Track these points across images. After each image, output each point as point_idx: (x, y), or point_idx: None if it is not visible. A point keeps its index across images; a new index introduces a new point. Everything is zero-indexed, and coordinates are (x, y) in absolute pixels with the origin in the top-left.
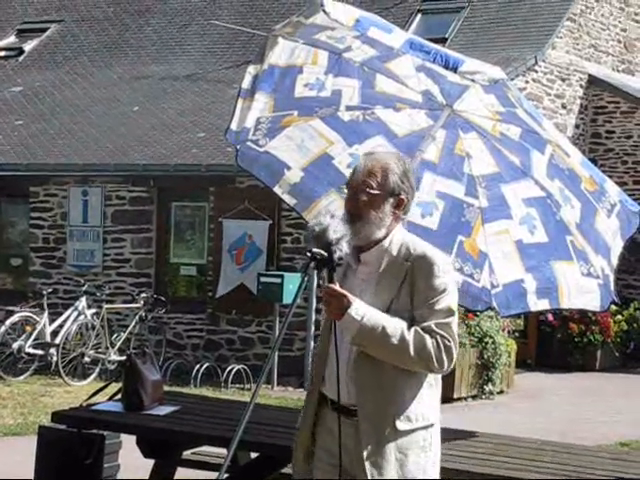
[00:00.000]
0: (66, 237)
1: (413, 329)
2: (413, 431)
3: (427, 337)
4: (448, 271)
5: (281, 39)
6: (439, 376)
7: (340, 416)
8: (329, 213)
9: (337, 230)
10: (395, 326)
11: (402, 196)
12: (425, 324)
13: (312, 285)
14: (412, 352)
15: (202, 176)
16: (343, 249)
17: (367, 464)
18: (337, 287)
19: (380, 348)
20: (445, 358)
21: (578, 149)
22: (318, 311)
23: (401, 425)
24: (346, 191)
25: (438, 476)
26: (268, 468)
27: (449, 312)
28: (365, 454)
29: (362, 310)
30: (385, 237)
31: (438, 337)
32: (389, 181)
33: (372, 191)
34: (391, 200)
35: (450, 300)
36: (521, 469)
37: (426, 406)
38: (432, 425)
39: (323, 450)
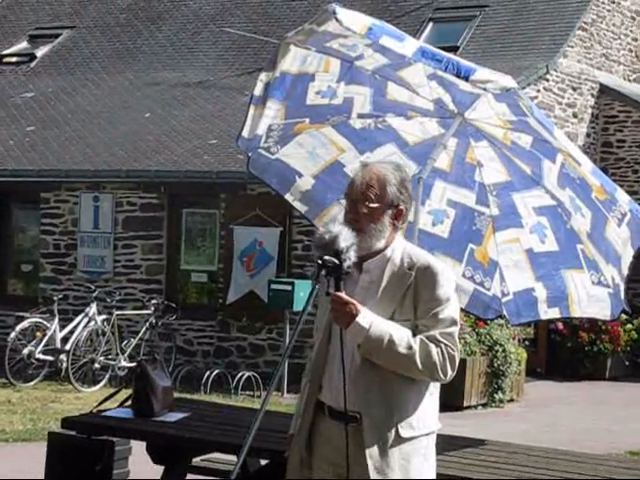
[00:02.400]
0: (77, 243)
1: (418, 338)
2: (415, 438)
3: (432, 346)
4: (450, 281)
5: (293, 47)
6: (438, 385)
7: (347, 426)
8: (337, 221)
9: (347, 238)
10: (401, 334)
11: (401, 207)
12: (429, 333)
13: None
14: (418, 361)
15: (213, 183)
16: (352, 258)
17: (372, 472)
18: (344, 295)
19: (387, 356)
20: (449, 367)
21: (589, 158)
22: None
23: (404, 432)
24: (344, 202)
25: None
26: (278, 475)
27: (452, 321)
28: (370, 462)
29: (369, 318)
30: (386, 247)
31: (442, 346)
32: (387, 193)
33: (371, 204)
34: (390, 212)
35: (453, 310)
36: (533, 477)
37: (427, 414)
38: (432, 433)
39: (320, 459)
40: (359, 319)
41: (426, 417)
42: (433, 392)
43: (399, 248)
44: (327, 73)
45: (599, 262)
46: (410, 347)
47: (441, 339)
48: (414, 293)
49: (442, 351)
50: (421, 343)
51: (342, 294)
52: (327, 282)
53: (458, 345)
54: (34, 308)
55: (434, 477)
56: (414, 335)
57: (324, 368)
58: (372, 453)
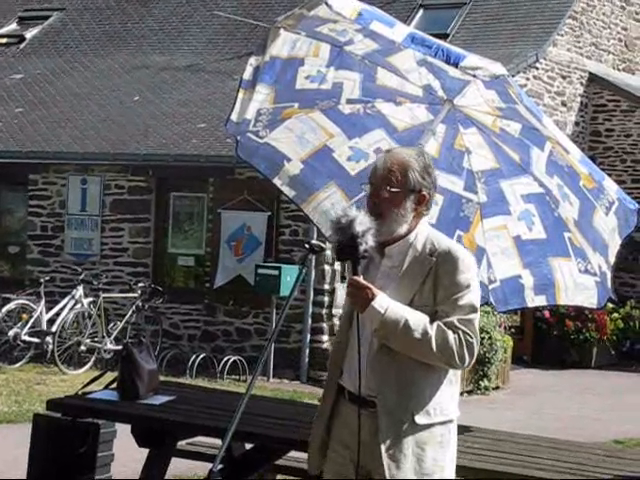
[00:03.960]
0: (64, 225)
1: (436, 324)
2: (431, 426)
3: (449, 332)
4: (472, 267)
5: (283, 31)
6: (459, 373)
7: (359, 409)
8: (354, 205)
9: (363, 223)
10: (418, 320)
11: (423, 192)
12: (448, 319)
13: (309, 278)
14: (434, 347)
15: (201, 167)
16: (368, 242)
17: (385, 458)
18: (361, 279)
19: (402, 341)
20: (466, 354)
21: (577, 147)
22: (315, 304)
23: (420, 419)
24: (367, 187)
25: (454, 473)
26: (263, 459)
27: (472, 308)
28: (383, 447)
29: (385, 303)
30: (409, 232)
31: (460, 333)
32: (409, 178)
33: (392, 189)
34: (412, 197)
35: (473, 297)
36: (518, 465)
37: (445, 402)
38: (451, 421)
39: (337, 442)
40: (374, 303)
41: (443, 404)
42: (453, 380)
43: (423, 234)
44: (317, 58)
45: (586, 250)
46: (426, 332)
47: (459, 325)
48: (434, 278)
49: (459, 338)
50: (438, 329)
51: (359, 278)
52: (346, 266)
53: (478, 332)
54: (20, 290)
55: (453, 466)
56: (433, 321)
57: (345, 352)
58: (386, 439)
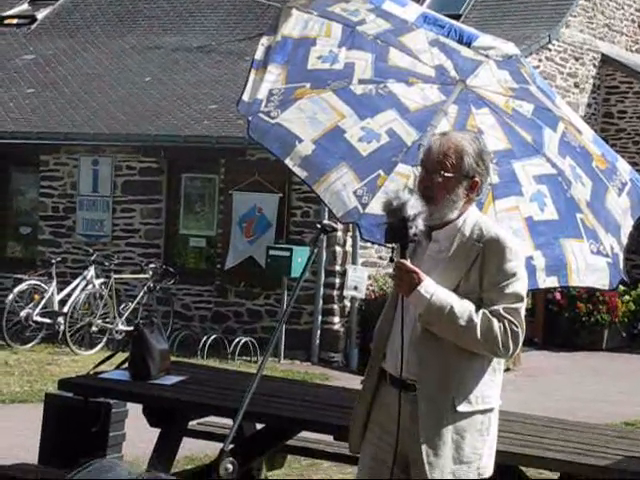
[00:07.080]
0: (76, 206)
1: (481, 312)
2: (472, 414)
3: (495, 321)
4: (519, 256)
5: (295, 11)
6: (502, 361)
7: (400, 392)
8: (407, 188)
9: (414, 206)
10: (463, 307)
11: (476, 178)
12: (493, 308)
13: (321, 259)
14: (478, 334)
15: (213, 148)
16: (418, 226)
17: (423, 444)
18: (409, 263)
19: (447, 327)
20: (511, 343)
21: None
22: (326, 285)
23: (461, 407)
24: (419, 170)
25: (492, 461)
26: (273, 439)
27: (518, 297)
28: (422, 433)
29: (432, 288)
30: (458, 217)
31: (506, 322)
32: (464, 164)
33: (446, 174)
34: (465, 183)
35: (520, 286)
36: (529, 445)
37: (487, 390)
38: (492, 410)
39: (376, 424)
40: (420, 288)
41: (485, 393)
42: (496, 368)
43: (471, 219)
44: (329, 38)
45: (598, 231)
46: (471, 320)
47: (505, 314)
48: (481, 265)
49: (504, 326)
50: (483, 317)
51: (406, 262)
52: (393, 249)
53: (523, 322)
54: (32, 271)
55: (492, 455)
56: (478, 308)
57: (388, 336)
58: (426, 425)
